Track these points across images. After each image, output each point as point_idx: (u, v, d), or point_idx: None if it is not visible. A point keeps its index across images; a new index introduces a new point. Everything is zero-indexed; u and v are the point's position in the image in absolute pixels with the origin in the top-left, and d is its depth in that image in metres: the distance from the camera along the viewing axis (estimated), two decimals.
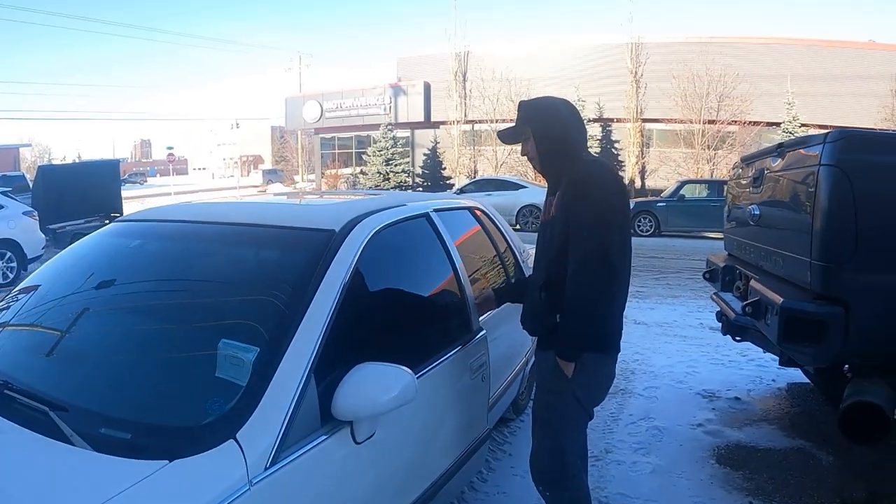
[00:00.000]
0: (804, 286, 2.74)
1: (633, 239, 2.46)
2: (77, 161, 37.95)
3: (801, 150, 2.94)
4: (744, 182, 3.95)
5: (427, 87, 32.16)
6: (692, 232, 15.55)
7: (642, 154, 28.96)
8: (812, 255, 2.63)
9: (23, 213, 10.12)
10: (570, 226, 2.17)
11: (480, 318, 2.80)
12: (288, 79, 62.64)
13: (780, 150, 3.25)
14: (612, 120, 28.78)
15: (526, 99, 2.49)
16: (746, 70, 26.39)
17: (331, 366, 1.78)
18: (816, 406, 4.39)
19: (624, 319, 2.35)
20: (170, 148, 37.81)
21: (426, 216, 2.74)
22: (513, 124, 2.47)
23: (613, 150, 29.20)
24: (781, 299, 2.68)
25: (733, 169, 4.50)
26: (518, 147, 2.49)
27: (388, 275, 2.42)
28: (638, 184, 28.66)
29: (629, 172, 28.81)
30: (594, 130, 28.60)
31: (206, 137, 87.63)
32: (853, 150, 2.62)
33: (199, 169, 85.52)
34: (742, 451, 3.70)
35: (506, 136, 2.49)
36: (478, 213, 3.53)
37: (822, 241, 2.58)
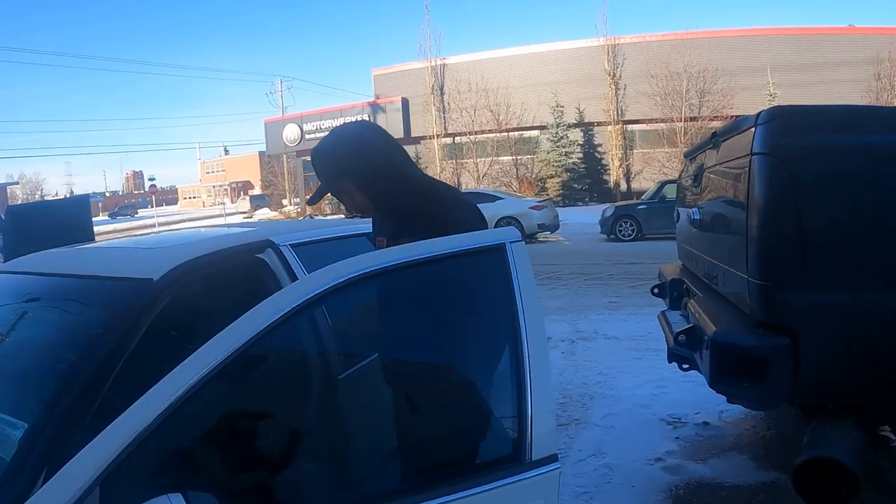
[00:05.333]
0: (745, 310, 2.17)
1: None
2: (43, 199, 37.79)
3: (734, 138, 2.40)
4: (687, 181, 3.41)
5: (405, 103, 31.92)
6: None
7: (626, 156, 28.70)
8: (749, 271, 2.07)
9: None
10: None
11: None
12: (271, 103, 62.70)
13: (714, 140, 2.70)
14: (592, 124, 28.63)
15: (317, 148, 1.82)
16: (725, 64, 26.12)
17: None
18: (796, 427, 3.81)
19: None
20: (152, 179, 37.54)
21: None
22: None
23: (596, 154, 29.04)
24: (714, 329, 2.12)
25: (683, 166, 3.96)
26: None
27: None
28: (623, 187, 28.36)
29: (613, 176, 28.54)
30: (575, 136, 28.69)
31: (196, 166, 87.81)
32: (791, 131, 2.09)
33: (190, 198, 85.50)
34: (704, 490, 3.21)
35: (314, 199, 1.88)
36: None
37: (760, 254, 2.03)
